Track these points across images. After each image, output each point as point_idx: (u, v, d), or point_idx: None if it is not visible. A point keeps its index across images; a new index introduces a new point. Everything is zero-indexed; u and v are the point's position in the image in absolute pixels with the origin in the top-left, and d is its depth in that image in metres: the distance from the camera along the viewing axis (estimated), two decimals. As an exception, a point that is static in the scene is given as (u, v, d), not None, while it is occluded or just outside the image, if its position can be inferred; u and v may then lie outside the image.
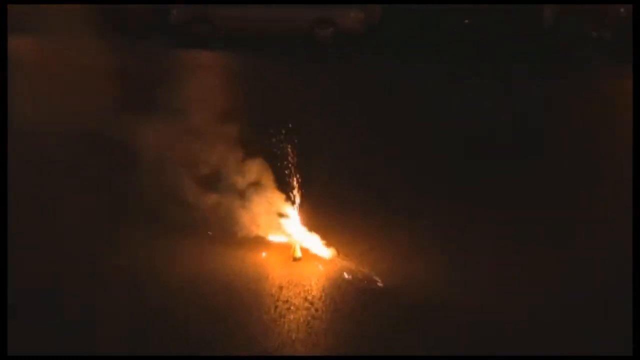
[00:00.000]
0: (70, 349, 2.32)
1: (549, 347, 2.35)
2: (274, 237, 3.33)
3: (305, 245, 3.21)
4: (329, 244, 3.22)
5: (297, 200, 3.35)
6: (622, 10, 9.96)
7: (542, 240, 3.33)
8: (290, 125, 3.48)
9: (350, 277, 2.95)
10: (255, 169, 3.45)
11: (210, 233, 3.33)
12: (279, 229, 3.33)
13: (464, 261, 3.13)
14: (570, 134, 5.66)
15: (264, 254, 3.21)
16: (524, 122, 6.02)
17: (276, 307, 2.68)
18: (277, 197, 3.37)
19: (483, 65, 9.34)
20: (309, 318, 2.59)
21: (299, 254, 3.18)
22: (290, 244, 3.22)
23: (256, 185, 3.40)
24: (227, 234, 3.28)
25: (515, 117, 6.17)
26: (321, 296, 2.78)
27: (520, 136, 5.51)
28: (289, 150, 3.36)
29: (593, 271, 2.94)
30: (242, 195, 3.38)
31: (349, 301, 2.75)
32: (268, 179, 3.43)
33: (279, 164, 3.40)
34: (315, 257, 3.15)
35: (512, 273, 2.98)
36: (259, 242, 3.28)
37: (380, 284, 2.88)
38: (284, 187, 3.39)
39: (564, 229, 3.45)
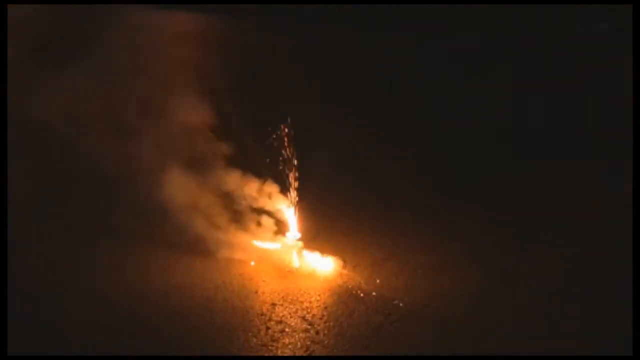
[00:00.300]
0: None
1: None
2: (265, 243, 3.09)
3: (304, 253, 3.00)
4: (333, 252, 3.00)
5: (294, 198, 3.07)
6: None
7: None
8: (281, 110, 3.22)
9: (359, 292, 2.71)
10: (242, 161, 3.17)
11: (184, 238, 3.07)
12: (271, 233, 3.10)
13: (483, 272, 3.05)
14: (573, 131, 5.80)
15: (252, 263, 2.99)
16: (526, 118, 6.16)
17: (267, 328, 2.42)
18: (270, 195, 3.09)
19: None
20: (308, 342, 2.34)
21: (296, 263, 2.96)
22: (285, 251, 3.00)
23: (243, 181, 3.12)
24: (207, 239, 3.05)
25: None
26: (323, 316, 2.52)
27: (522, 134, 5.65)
28: (281, 137, 3.05)
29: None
30: (225, 191, 3.13)
31: (358, 322, 2.48)
32: (258, 173, 3.14)
33: (270, 155, 3.10)
34: (316, 268, 2.93)
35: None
36: (247, 249, 3.06)
37: (396, 302, 2.63)
38: (278, 183, 3.11)
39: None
